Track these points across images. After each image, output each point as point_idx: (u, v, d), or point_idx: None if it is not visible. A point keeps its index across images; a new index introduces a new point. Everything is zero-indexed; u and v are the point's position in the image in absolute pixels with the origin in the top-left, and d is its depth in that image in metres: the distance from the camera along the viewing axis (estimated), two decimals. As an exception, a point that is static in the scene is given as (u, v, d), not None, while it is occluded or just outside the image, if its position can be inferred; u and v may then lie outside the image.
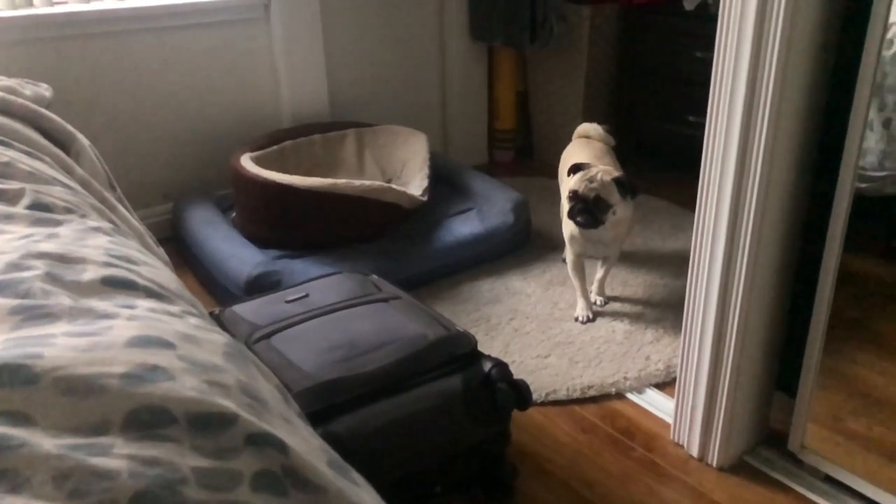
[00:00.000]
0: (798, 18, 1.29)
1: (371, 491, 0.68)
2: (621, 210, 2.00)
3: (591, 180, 1.97)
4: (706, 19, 2.77)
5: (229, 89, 2.71)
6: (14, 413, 0.55)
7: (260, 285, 2.06)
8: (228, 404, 0.61)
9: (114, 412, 0.58)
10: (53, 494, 0.51)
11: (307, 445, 0.66)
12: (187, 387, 0.61)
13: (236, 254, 2.19)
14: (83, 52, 2.40)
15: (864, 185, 1.70)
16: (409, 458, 1.42)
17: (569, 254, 2.17)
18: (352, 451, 1.30)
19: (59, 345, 0.62)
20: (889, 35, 1.40)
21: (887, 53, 1.53)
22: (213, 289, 2.26)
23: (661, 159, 3.14)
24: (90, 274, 0.82)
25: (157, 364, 0.62)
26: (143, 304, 0.77)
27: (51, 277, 0.79)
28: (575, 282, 2.17)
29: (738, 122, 1.38)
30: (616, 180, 1.98)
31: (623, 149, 2.47)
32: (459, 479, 1.54)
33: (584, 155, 2.17)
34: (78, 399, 0.58)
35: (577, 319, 2.12)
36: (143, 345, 0.65)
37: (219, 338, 0.74)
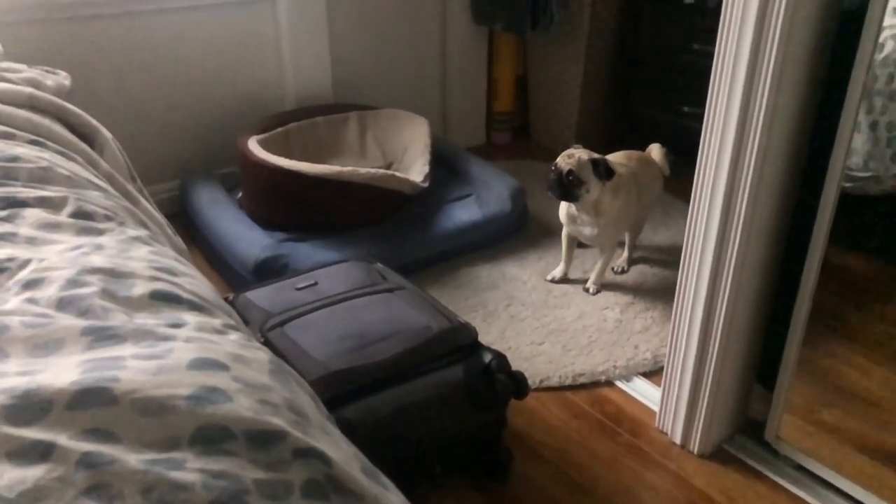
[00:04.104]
0: (797, 18, 1.34)
1: (398, 493, 0.78)
2: (595, 190, 2.15)
3: (570, 156, 2.16)
4: (704, 12, 2.84)
5: (234, 70, 2.76)
6: (102, 431, 0.64)
7: (268, 268, 2.15)
8: (279, 422, 0.71)
9: (183, 430, 0.67)
10: (142, 505, 0.60)
11: (344, 454, 0.75)
12: (244, 407, 0.70)
13: (244, 236, 2.27)
14: (90, 33, 2.44)
15: (848, 185, 1.78)
16: (413, 441, 1.53)
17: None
18: (361, 435, 1.40)
19: (130, 367, 0.71)
20: (880, 39, 1.47)
21: (877, 57, 1.60)
22: (222, 269, 2.34)
23: (654, 146, 3.21)
24: (139, 289, 0.90)
25: (216, 386, 0.71)
26: (191, 321, 0.86)
27: (107, 294, 0.87)
28: (563, 246, 2.36)
29: (734, 119, 1.44)
30: (592, 160, 2.13)
31: (616, 135, 2.55)
32: (459, 460, 1.65)
33: (621, 157, 2.33)
34: (153, 419, 0.67)
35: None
36: (201, 367, 0.74)
37: (263, 355, 0.83)
